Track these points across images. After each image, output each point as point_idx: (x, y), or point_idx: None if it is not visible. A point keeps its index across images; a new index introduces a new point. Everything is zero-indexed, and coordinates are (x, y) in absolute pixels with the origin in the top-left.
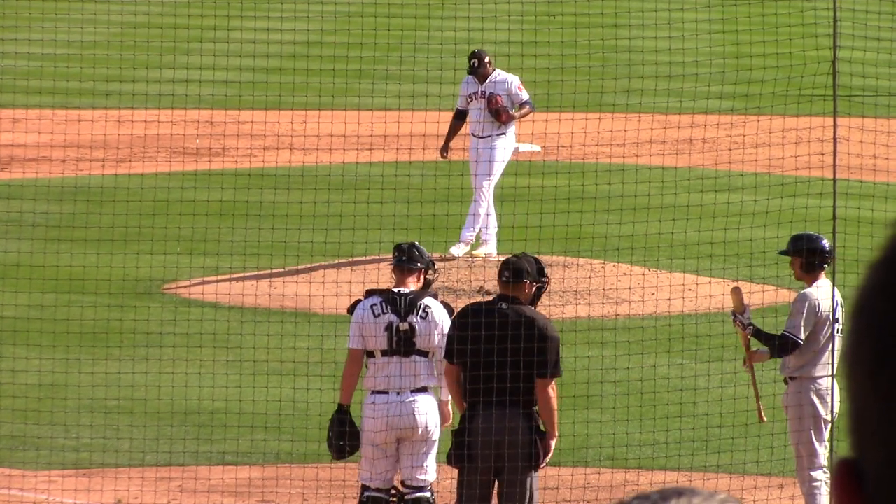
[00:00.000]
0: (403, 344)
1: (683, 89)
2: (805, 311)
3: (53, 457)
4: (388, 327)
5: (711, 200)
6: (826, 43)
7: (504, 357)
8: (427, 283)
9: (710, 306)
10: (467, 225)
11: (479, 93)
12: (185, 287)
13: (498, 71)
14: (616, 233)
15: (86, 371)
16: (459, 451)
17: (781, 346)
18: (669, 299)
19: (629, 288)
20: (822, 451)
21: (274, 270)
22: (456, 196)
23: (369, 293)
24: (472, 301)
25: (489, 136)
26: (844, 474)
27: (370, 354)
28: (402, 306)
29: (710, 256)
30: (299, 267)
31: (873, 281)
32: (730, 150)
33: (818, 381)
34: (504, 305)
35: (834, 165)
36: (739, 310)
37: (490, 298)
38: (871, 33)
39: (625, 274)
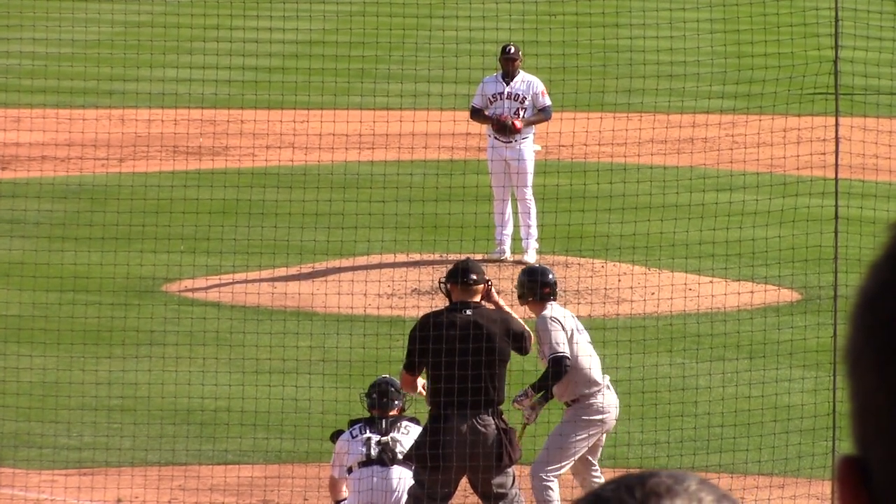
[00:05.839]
0: (383, 453)
1: (684, 89)
2: (550, 328)
3: (55, 455)
4: (367, 442)
5: (712, 200)
6: (827, 43)
7: (481, 358)
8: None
9: (710, 306)
10: (528, 235)
11: (506, 93)
12: (187, 286)
13: (523, 72)
14: (616, 232)
15: (87, 369)
16: (434, 451)
17: (555, 370)
18: (670, 299)
19: (629, 287)
20: (565, 466)
21: (275, 270)
22: (457, 195)
23: (351, 422)
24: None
25: (519, 140)
26: (848, 471)
27: (348, 472)
28: (384, 426)
29: (710, 256)
30: (300, 266)
31: (878, 279)
32: (731, 149)
33: (593, 401)
34: (469, 311)
35: (836, 165)
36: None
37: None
38: (873, 33)
39: (625, 273)
